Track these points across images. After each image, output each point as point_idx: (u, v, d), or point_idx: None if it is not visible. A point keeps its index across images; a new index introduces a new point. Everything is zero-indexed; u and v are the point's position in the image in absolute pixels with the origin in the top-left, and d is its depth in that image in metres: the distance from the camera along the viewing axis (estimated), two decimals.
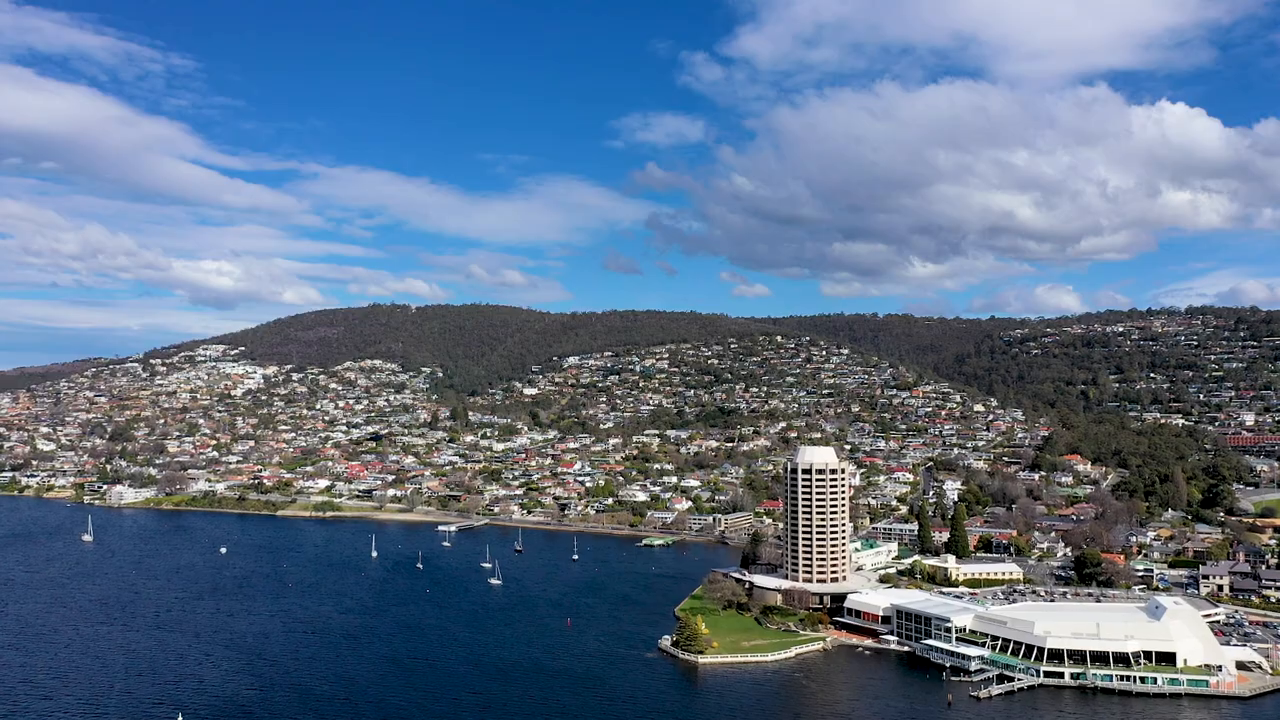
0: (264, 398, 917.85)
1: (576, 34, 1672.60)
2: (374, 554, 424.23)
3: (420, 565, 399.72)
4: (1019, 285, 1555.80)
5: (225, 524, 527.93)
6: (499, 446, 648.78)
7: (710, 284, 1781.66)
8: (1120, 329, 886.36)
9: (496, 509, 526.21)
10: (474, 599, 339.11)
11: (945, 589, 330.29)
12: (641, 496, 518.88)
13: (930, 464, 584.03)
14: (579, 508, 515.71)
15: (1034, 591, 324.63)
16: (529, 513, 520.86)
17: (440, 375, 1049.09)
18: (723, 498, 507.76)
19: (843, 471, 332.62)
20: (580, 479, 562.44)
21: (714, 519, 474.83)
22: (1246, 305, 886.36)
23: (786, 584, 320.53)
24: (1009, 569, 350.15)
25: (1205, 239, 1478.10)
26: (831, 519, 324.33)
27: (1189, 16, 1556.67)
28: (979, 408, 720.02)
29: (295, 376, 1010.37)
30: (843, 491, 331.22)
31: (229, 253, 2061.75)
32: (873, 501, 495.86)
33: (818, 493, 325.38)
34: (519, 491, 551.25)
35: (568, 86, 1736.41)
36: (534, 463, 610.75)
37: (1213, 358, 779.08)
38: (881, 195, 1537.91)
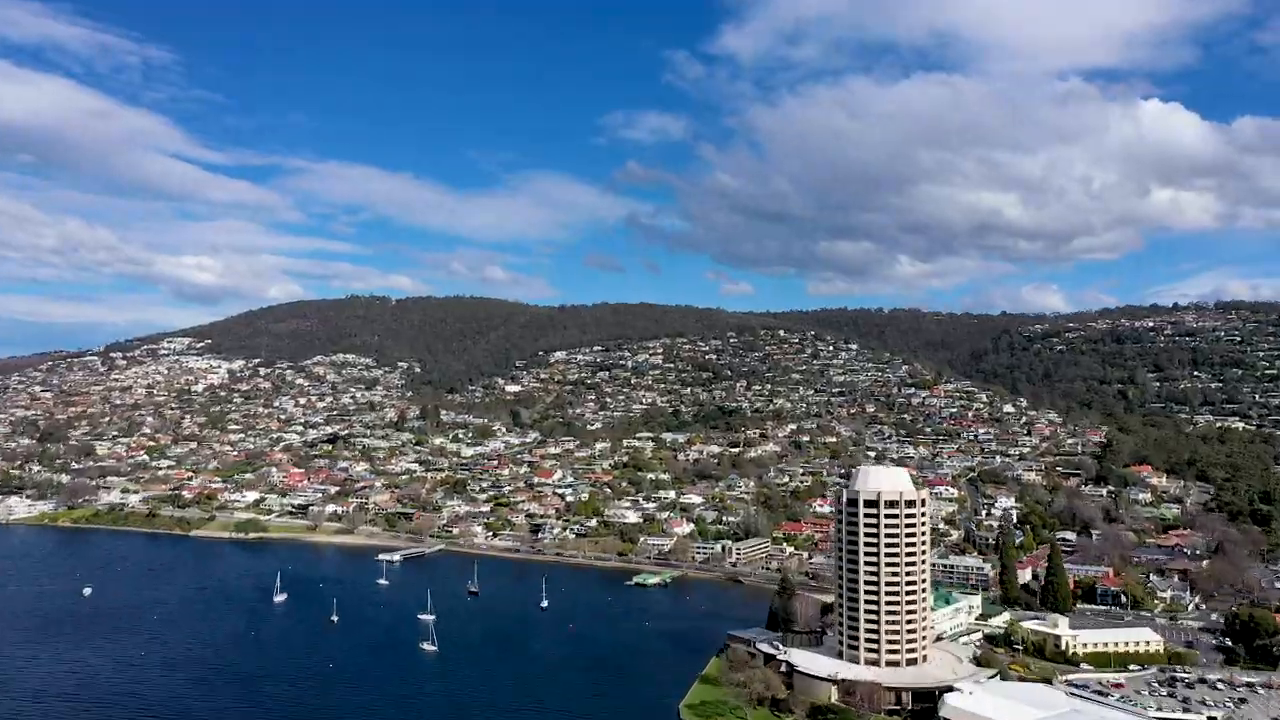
0: (224, 394, 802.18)
1: (560, 31, 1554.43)
2: (278, 596, 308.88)
3: (335, 617, 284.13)
4: (1006, 285, 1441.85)
5: (124, 546, 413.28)
6: (468, 451, 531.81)
7: (696, 282, 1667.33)
8: (1151, 324, 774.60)
9: (455, 530, 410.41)
10: (391, 679, 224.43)
11: (1064, 667, 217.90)
12: (632, 517, 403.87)
13: (972, 475, 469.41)
14: (555, 530, 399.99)
15: (1201, 680, 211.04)
16: (494, 535, 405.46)
17: (418, 371, 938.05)
18: (732, 519, 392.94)
19: (923, 503, 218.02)
20: (560, 491, 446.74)
21: (722, 547, 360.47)
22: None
23: (844, 669, 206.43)
24: (1143, 636, 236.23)
25: (1192, 239, 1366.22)
26: (909, 572, 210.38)
27: (1171, 15, 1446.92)
28: (1009, 409, 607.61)
29: (263, 371, 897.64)
30: (923, 532, 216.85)
31: (210, 248, 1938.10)
32: None
33: (888, 534, 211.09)
34: (485, 508, 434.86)
35: (551, 83, 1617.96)
36: (507, 471, 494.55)
37: (1262, 354, 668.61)
38: (866, 193, 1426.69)
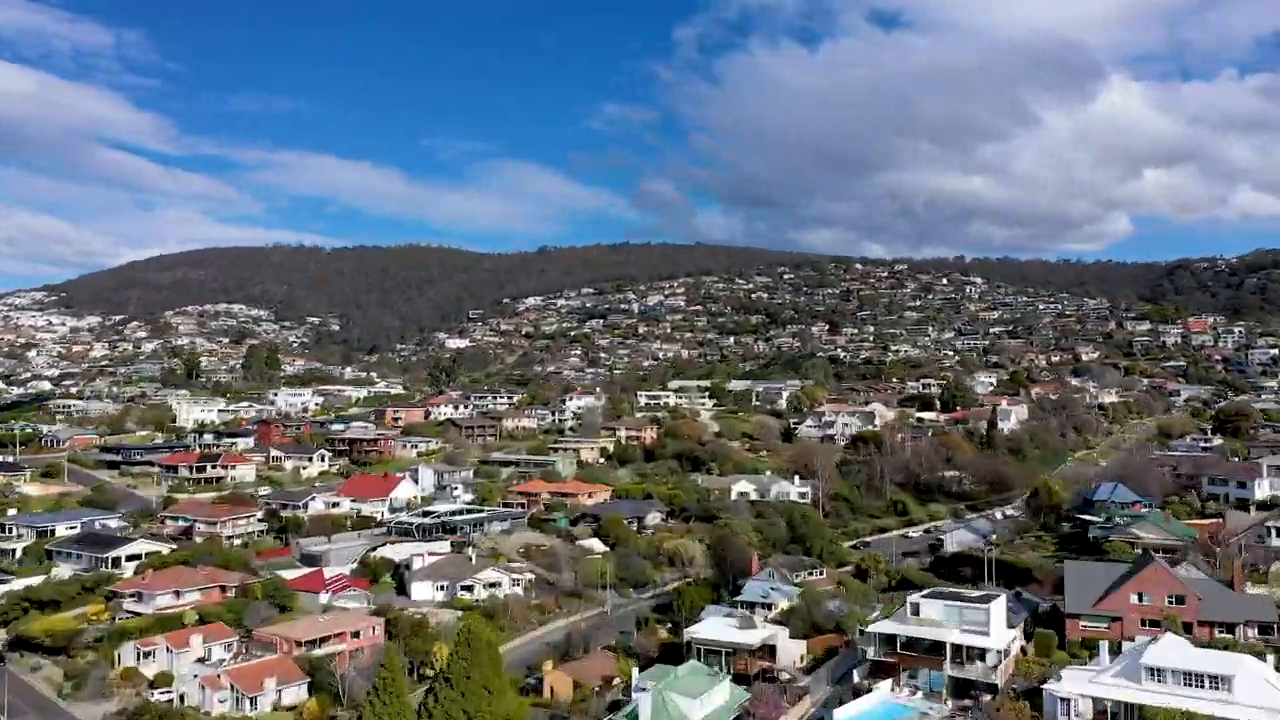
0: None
1: (525, 19, 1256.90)
2: None
3: None
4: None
5: None
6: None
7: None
8: None
9: None
10: None
11: None
12: None
13: None
14: None
15: None
16: None
17: (335, 329, 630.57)
18: None
19: None
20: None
21: None
22: None
23: None
24: None
25: (1177, 223, 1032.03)
26: None
27: None
28: None
29: (125, 329, 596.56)
30: None
31: (159, 242, 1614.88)
32: None
33: None
34: None
35: (522, 74, 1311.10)
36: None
37: None
38: (842, 177, 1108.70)
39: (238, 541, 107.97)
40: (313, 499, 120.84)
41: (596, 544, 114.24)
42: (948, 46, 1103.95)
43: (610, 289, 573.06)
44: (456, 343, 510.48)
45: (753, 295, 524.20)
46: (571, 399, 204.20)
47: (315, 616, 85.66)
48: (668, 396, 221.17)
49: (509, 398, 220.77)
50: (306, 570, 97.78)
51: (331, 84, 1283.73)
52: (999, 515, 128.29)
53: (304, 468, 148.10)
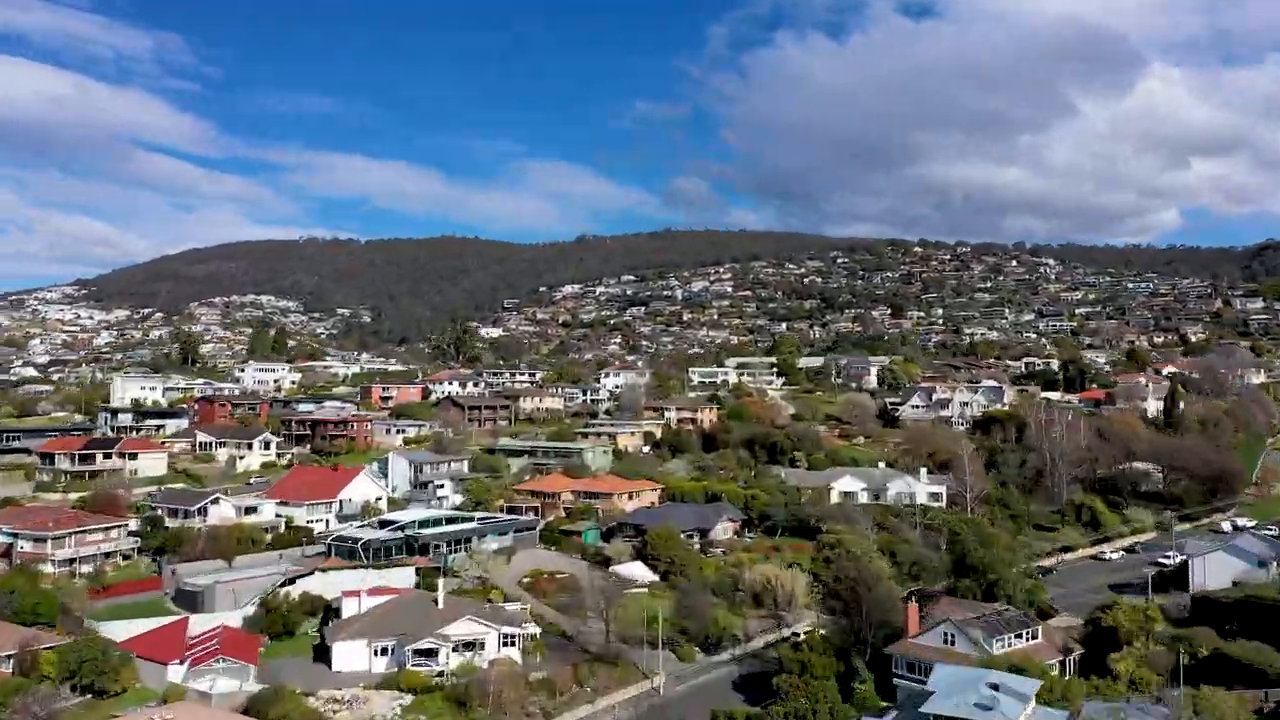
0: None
1: (556, 19, 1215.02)
2: None
3: None
4: None
5: None
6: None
7: None
8: None
9: None
10: None
11: None
12: None
13: None
14: None
15: None
16: None
17: (366, 319, 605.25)
18: None
19: None
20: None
21: None
22: None
23: None
24: None
25: (1232, 214, 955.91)
26: None
27: None
28: None
29: (145, 320, 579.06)
30: None
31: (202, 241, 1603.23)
32: None
33: None
34: None
35: (550, 72, 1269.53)
36: None
37: None
38: (874, 170, 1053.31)
39: (86, 569, 70.41)
40: (214, 502, 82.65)
41: (640, 570, 75.05)
42: (980, 36, 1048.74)
43: (652, 275, 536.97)
44: (490, 332, 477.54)
45: (805, 280, 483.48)
46: (608, 375, 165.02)
47: (149, 715, 47.16)
48: (726, 373, 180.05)
49: (531, 374, 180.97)
50: (170, 619, 59.67)
51: (364, 85, 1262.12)
52: (1228, 526, 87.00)
53: (241, 457, 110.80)
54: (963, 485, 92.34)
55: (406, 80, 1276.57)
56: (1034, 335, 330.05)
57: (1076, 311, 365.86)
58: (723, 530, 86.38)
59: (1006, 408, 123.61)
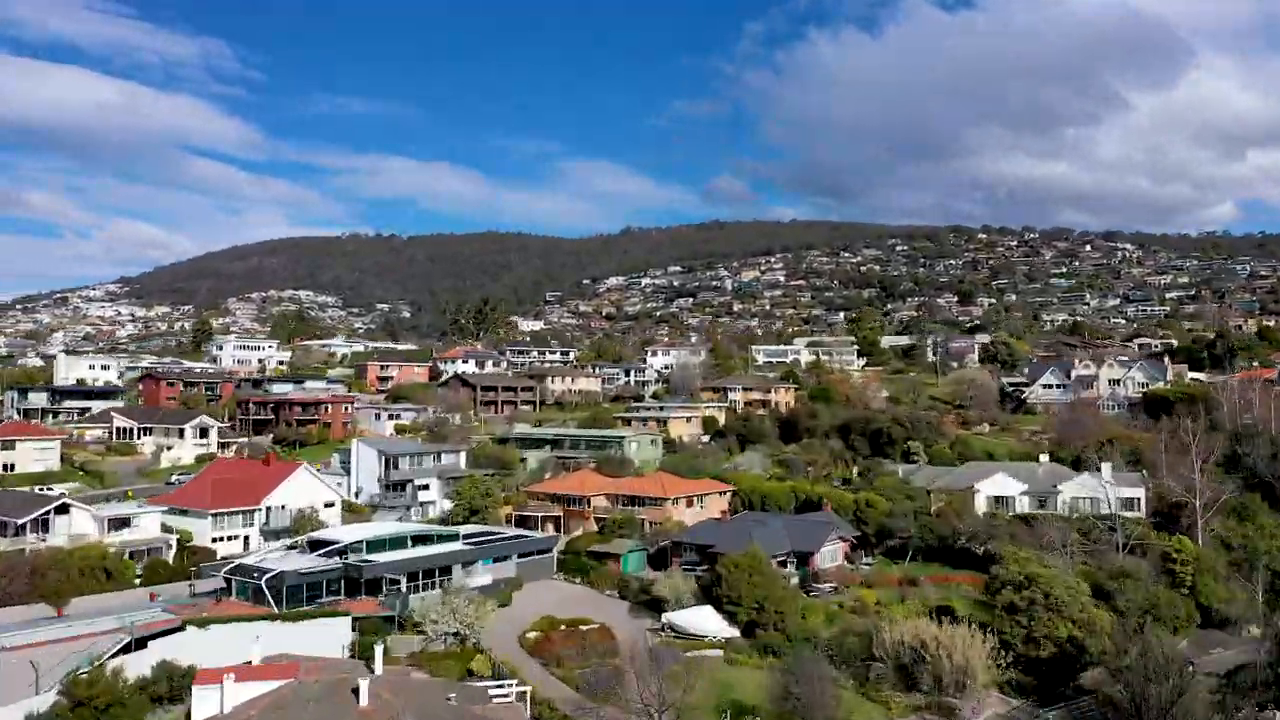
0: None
1: (595, 20, 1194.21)
2: None
3: None
4: None
5: None
6: None
7: None
8: None
9: None
10: None
11: None
12: None
13: None
14: None
15: None
16: None
17: (406, 315, 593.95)
18: None
19: None
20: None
21: None
22: None
23: None
24: None
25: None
26: None
27: None
28: None
29: (184, 315, 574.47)
30: None
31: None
32: None
33: None
34: None
35: (588, 72, 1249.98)
36: None
37: None
38: (915, 164, 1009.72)
39: None
40: (62, 510, 56.21)
41: (711, 620, 47.25)
42: (1022, 27, 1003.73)
43: (700, 266, 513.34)
44: (530, 325, 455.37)
45: (862, 268, 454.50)
46: (654, 354, 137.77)
47: None
48: (797, 351, 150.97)
49: (564, 352, 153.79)
50: None
51: (405, 88, 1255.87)
52: None
53: (168, 448, 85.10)
54: (1167, 487, 63.44)
55: (446, 82, 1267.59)
56: (1121, 320, 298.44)
57: (1167, 296, 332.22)
58: (830, 553, 58.33)
59: (1178, 384, 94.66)
